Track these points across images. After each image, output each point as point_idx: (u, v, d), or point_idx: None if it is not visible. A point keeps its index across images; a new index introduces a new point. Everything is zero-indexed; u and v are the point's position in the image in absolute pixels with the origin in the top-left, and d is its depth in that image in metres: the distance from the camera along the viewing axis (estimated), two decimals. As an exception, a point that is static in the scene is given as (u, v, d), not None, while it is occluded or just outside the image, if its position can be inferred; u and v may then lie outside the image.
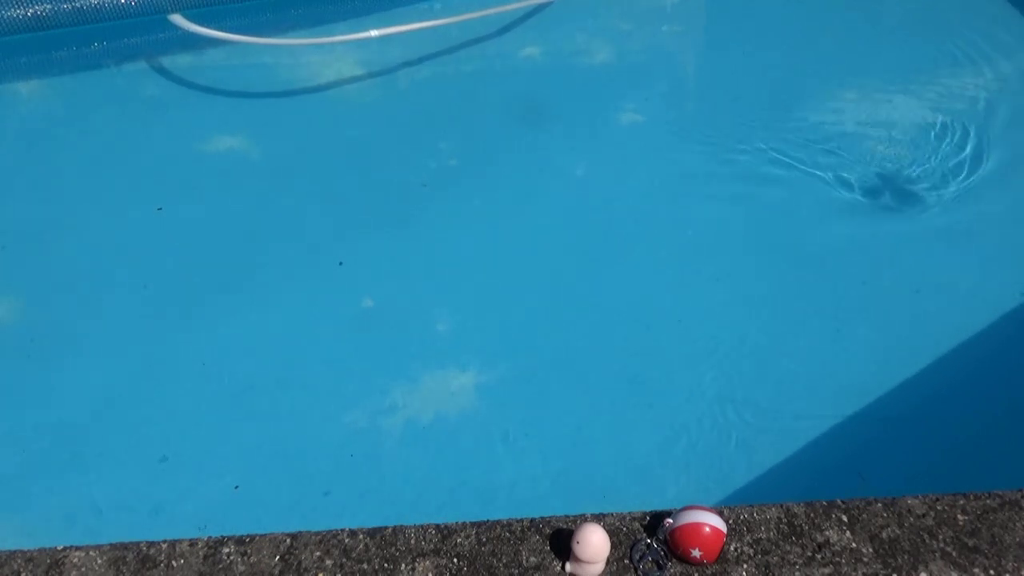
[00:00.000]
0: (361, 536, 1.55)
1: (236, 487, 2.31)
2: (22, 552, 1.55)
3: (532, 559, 1.50)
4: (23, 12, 3.94)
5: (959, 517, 1.57)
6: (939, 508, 1.59)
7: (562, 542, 1.51)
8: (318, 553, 1.52)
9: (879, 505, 1.59)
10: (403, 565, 1.50)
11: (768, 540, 1.53)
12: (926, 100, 3.96)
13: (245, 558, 1.51)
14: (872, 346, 2.69)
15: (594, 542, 1.40)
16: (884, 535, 1.54)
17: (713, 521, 1.47)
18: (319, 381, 2.60)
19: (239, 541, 1.55)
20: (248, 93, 3.92)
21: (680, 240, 3.08)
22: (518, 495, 2.28)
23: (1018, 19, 4.42)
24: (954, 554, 1.51)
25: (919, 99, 3.96)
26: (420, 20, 4.02)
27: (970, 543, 1.53)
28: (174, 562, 1.51)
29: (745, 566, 1.49)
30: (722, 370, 2.61)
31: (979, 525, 1.56)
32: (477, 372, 2.60)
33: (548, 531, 1.55)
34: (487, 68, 4.13)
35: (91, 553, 1.54)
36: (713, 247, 3.04)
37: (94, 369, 2.63)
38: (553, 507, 1.62)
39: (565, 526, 1.55)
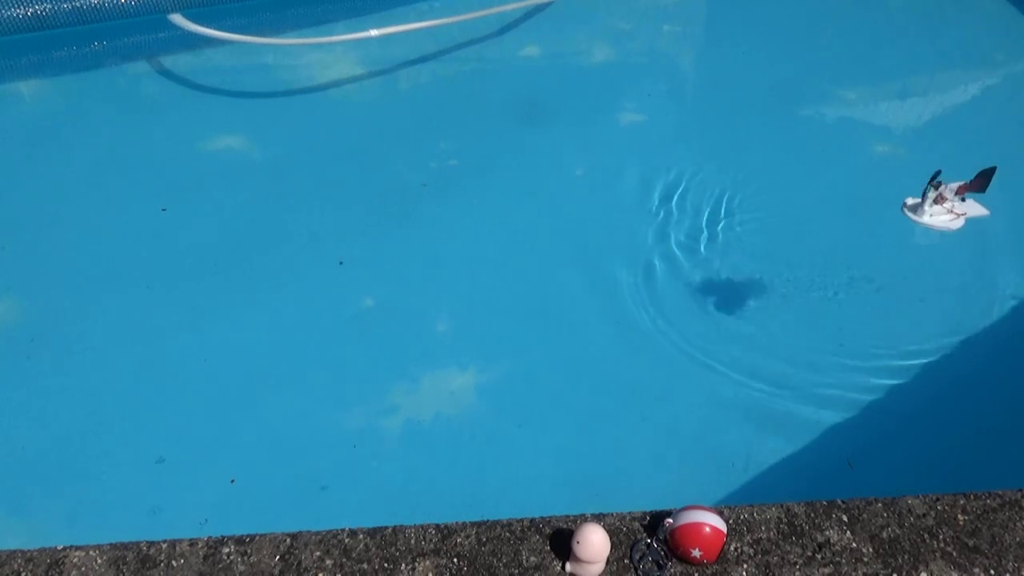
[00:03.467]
0: (361, 536, 1.55)
1: (232, 480, 2.31)
2: (22, 552, 1.55)
3: (532, 559, 1.50)
4: (23, 12, 3.94)
5: (959, 517, 1.57)
6: (939, 508, 1.59)
7: (562, 542, 1.51)
8: (318, 553, 1.52)
9: (879, 505, 1.59)
10: (403, 565, 1.50)
11: (768, 540, 1.53)
12: (926, 100, 3.96)
13: (245, 558, 1.51)
14: (872, 346, 2.69)
15: (594, 542, 1.40)
16: (884, 535, 1.54)
17: (713, 521, 1.47)
18: (319, 380, 2.60)
19: (239, 541, 1.55)
20: (248, 93, 3.92)
21: (680, 238, 3.08)
22: (518, 495, 2.28)
23: (1018, 19, 4.42)
24: (954, 554, 1.51)
25: (919, 99, 3.97)
26: (420, 20, 4.02)
27: (970, 543, 1.53)
28: (174, 562, 1.51)
29: (745, 566, 1.49)
30: (722, 369, 2.61)
31: (979, 525, 1.56)
32: (477, 372, 2.60)
33: (548, 531, 1.55)
34: (487, 68, 4.13)
35: (91, 553, 1.54)
36: (713, 246, 3.04)
37: (94, 369, 2.62)
38: (553, 507, 1.61)
39: (565, 526, 1.55)
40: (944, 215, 2.24)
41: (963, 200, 2.22)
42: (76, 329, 2.74)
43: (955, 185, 2.19)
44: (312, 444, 2.42)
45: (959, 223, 2.25)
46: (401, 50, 4.10)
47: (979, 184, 2.15)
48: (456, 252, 3.05)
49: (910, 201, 2.31)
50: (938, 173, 2.21)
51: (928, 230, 2.28)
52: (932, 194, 2.21)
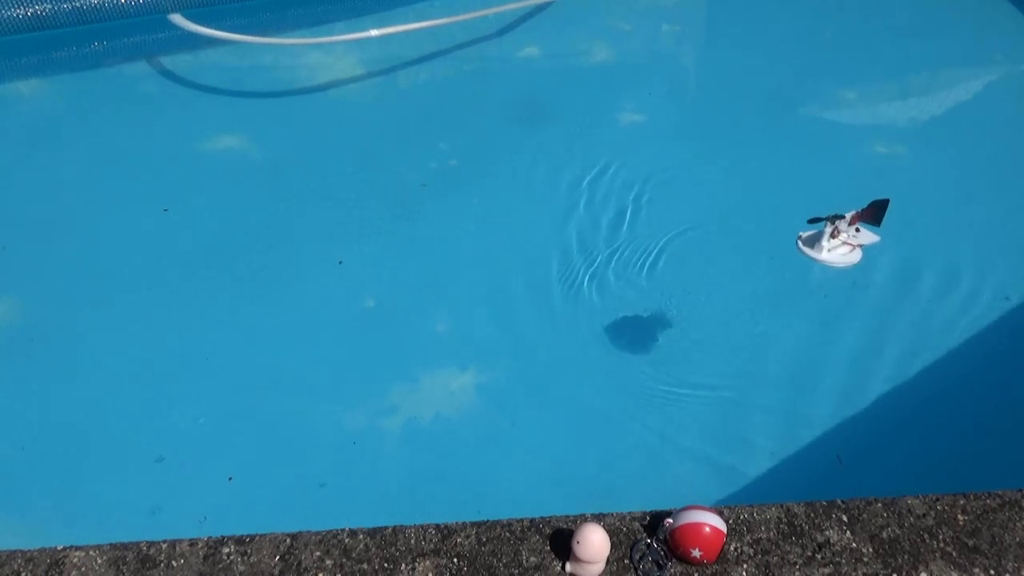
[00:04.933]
0: (361, 536, 1.55)
1: (230, 478, 2.31)
2: (22, 552, 1.55)
3: (532, 559, 1.50)
4: (23, 12, 3.94)
5: (959, 517, 1.57)
6: (939, 508, 1.59)
7: (562, 542, 1.52)
8: (318, 553, 1.52)
9: (879, 505, 1.59)
10: (403, 565, 1.50)
11: (768, 540, 1.53)
12: (926, 100, 3.96)
13: (245, 558, 1.51)
14: (872, 346, 2.69)
15: (594, 542, 1.40)
16: (884, 535, 1.54)
17: (713, 521, 1.47)
18: (319, 380, 2.60)
19: (239, 541, 1.55)
20: (248, 93, 3.92)
21: (680, 239, 3.08)
22: (518, 495, 2.28)
23: (1018, 19, 4.42)
24: (954, 554, 1.51)
25: (919, 99, 3.97)
26: (420, 20, 4.02)
27: (970, 543, 1.53)
28: (174, 562, 1.51)
29: (745, 566, 1.49)
30: (722, 369, 2.61)
31: (979, 525, 1.56)
32: (477, 372, 2.60)
33: (548, 531, 1.55)
34: (487, 68, 4.13)
35: (91, 553, 1.54)
36: (713, 246, 3.04)
37: (95, 369, 2.63)
38: (553, 507, 1.61)
39: (565, 526, 1.55)
40: (842, 248, 2.14)
41: (857, 231, 2.11)
42: (76, 329, 2.74)
43: (848, 215, 2.09)
44: (312, 444, 2.42)
45: (856, 256, 2.16)
46: (401, 50, 4.10)
47: (871, 214, 2.05)
48: (456, 252, 3.05)
49: (804, 235, 2.20)
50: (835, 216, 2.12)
51: (826, 267, 2.18)
52: (829, 228, 2.11)
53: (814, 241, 2.17)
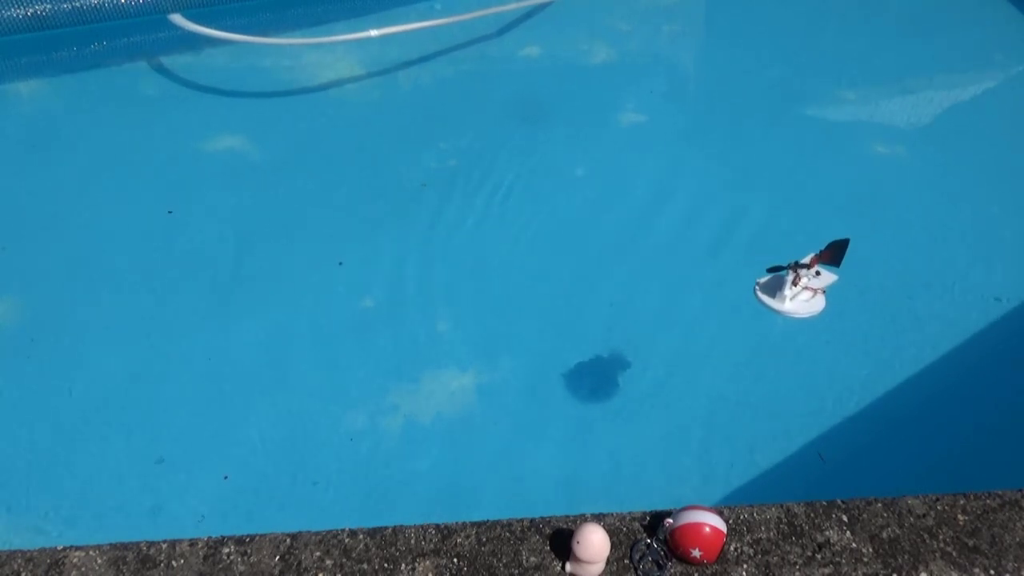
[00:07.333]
0: (361, 536, 1.55)
1: (225, 477, 2.31)
2: (22, 552, 1.55)
3: (532, 559, 1.50)
4: (23, 12, 3.94)
5: (959, 517, 1.57)
6: (939, 508, 1.59)
7: (562, 542, 1.52)
8: (318, 553, 1.52)
9: (879, 505, 1.59)
10: (403, 565, 1.50)
11: (768, 540, 1.53)
12: (926, 100, 3.96)
13: (245, 558, 1.51)
14: (871, 346, 2.69)
15: (594, 542, 1.40)
16: (884, 535, 1.54)
17: (713, 521, 1.47)
18: (319, 380, 2.60)
19: (239, 541, 1.55)
20: (248, 93, 3.92)
21: (681, 240, 3.08)
22: (518, 495, 2.28)
23: (1018, 19, 4.42)
24: (954, 554, 1.51)
25: (919, 99, 3.97)
26: (420, 20, 4.02)
27: (970, 543, 1.53)
28: (174, 562, 1.51)
29: (745, 566, 1.49)
30: (722, 370, 2.61)
31: (979, 525, 1.56)
32: (477, 372, 2.60)
33: (548, 531, 1.55)
34: (487, 68, 4.13)
35: (91, 553, 1.54)
36: (713, 247, 3.04)
37: (95, 369, 2.63)
38: (553, 507, 1.62)
39: (565, 526, 1.55)
40: (803, 295, 2.00)
41: (817, 274, 1.98)
42: (76, 329, 2.74)
43: (807, 259, 1.97)
44: (311, 443, 2.42)
45: (820, 304, 2.02)
46: (401, 50, 4.11)
47: (830, 255, 1.94)
48: (456, 252, 3.05)
49: (762, 281, 2.05)
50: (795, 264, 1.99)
51: (788, 319, 2.02)
52: (791, 276, 1.98)
53: (775, 290, 2.03)
